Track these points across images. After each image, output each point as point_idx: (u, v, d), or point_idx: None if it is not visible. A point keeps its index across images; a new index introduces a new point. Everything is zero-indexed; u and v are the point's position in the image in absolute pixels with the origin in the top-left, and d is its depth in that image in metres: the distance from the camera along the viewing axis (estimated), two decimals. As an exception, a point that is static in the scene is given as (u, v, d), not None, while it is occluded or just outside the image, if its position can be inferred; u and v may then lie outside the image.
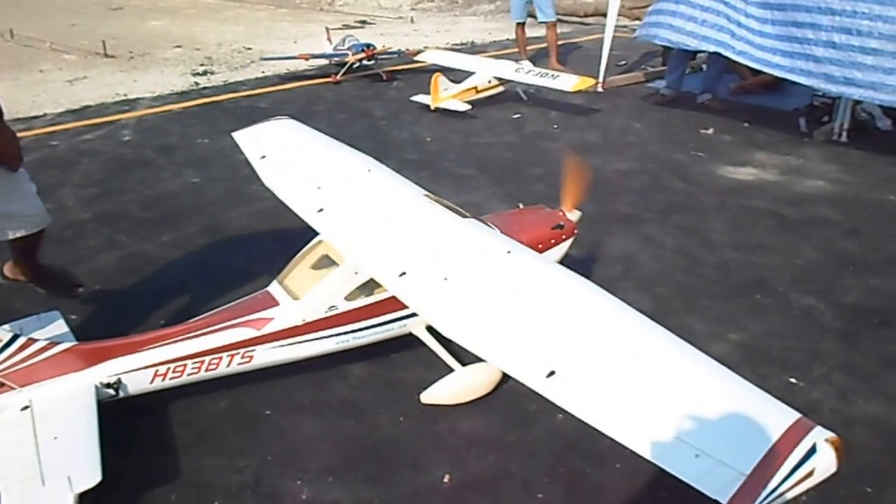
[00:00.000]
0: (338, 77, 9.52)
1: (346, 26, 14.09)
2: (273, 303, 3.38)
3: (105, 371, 3.04)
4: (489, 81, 8.49)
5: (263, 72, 10.46)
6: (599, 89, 9.10)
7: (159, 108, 8.48)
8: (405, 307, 3.43)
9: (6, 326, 3.02)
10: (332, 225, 3.51)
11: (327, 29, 10.96)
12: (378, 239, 3.34)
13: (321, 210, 3.58)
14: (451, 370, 3.48)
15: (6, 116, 3.41)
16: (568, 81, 7.91)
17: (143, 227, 5.31)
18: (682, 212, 5.67)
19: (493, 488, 2.95)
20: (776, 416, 2.08)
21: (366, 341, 3.54)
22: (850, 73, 6.59)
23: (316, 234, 3.65)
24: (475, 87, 8.36)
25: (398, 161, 6.28)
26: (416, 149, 7.02)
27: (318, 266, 3.56)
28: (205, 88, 9.54)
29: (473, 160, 6.73)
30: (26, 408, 2.84)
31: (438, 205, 3.47)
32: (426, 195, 3.57)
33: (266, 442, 3.20)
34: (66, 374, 2.99)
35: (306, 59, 9.74)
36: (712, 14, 7.56)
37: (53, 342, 3.04)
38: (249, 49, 12.38)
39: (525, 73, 8.27)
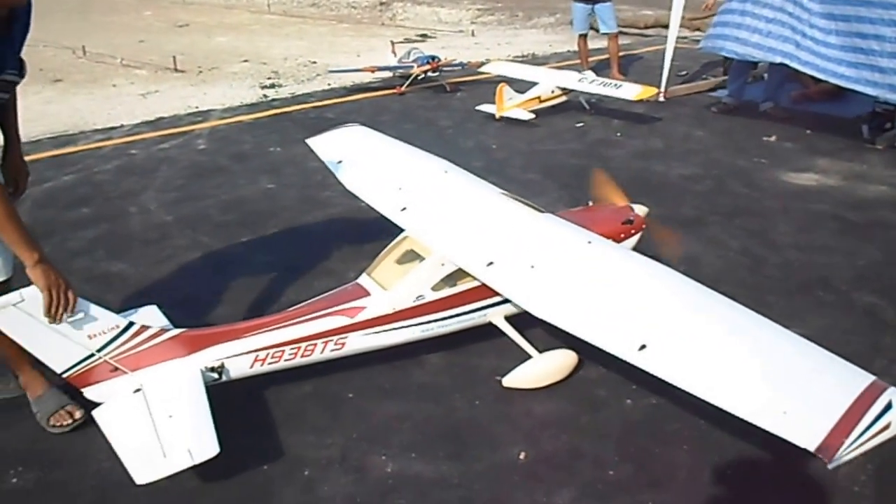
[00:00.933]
0: (403, 88, 9.81)
1: (408, 40, 14.38)
2: (364, 293, 3.60)
3: (210, 356, 3.25)
4: (552, 91, 8.68)
5: (330, 84, 10.80)
6: (661, 98, 9.19)
7: (231, 119, 8.84)
8: (486, 298, 3.68)
9: (119, 315, 3.18)
10: (416, 221, 3.77)
11: (392, 42, 11.25)
12: (463, 232, 3.65)
13: (404, 209, 3.84)
14: (528, 357, 3.67)
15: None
16: (631, 90, 8.07)
17: (223, 229, 5.61)
18: (746, 215, 5.79)
19: (566, 465, 3.13)
20: (854, 378, 2.41)
21: (449, 329, 3.75)
22: None
23: (397, 233, 3.90)
24: (538, 97, 8.56)
25: (465, 168, 6.47)
26: (482, 156, 7.24)
27: (403, 260, 3.78)
28: (274, 100, 9.90)
29: (538, 166, 6.93)
30: (138, 390, 3.06)
31: (516, 201, 3.71)
32: (503, 193, 3.80)
33: (350, 422, 3.42)
34: (174, 358, 3.20)
35: (372, 72, 10.05)
36: (777, 26, 7.69)
37: (164, 329, 3.25)
38: (314, 63, 12.76)
39: (588, 83, 8.46)
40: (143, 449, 2.83)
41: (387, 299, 3.57)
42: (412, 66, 9.87)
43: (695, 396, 2.51)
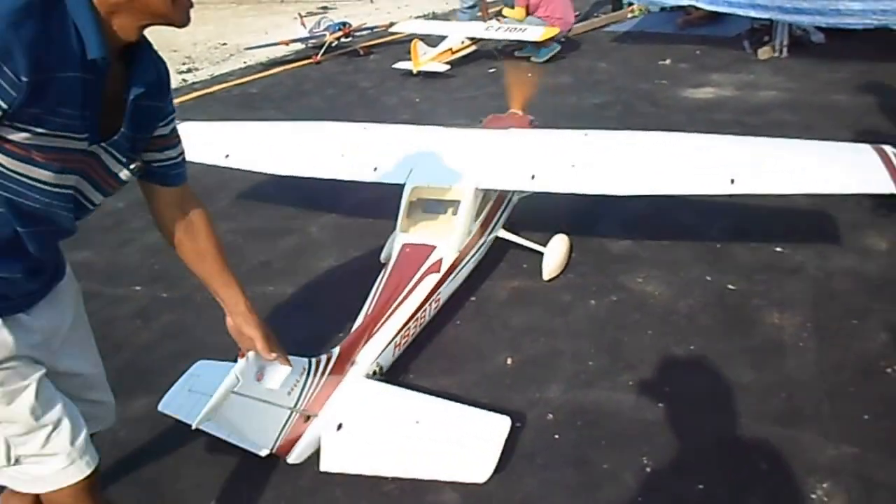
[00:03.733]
0: (318, 57, 9.75)
1: (309, 13, 14.19)
2: (431, 248, 3.54)
3: (366, 361, 2.97)
4: (462, 42, 8.79)
5: (245, 62, 10.62)
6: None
7: (158, 106, 8.65)
8: (494, 220, 4.00)
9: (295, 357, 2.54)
10: (404, 173, 3.86)
11: (300, 15, 11.13)
12: (469, 160, 3.88)
13: (376, 168, 3.95)
14: (538, 253, 4.06)
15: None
16: (536, 32, 8.23)
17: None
18: (658, 130, 6.03)
19: (549, 363, 3.33)
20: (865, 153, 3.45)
21: (483, 253, 3.94)
22: (797, 3, 7.26)
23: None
24: (451, 49, 8.66)
25: (394, 122, 6.58)
26: (407, 109, 7.33)
27: (428, 209, 3.81)
28: (194, 83, 9.69)
29: (463, 112, 7.02)
30: (340, 426, 2.69)
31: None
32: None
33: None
34: (342, 380, 2.84)
35: (287, 45, 9.98)
36: None
37: (330, 353, 2.86)
38: (225, 44, 12.49)
39: (495, 31, 8.58)
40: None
41: (453, 243, 3.60)
42: (325, 35, 9.82)
43: (649, 289, 2.88)
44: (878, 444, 2.70)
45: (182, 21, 1.71)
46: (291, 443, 2.62)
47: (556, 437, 2.89)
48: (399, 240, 3.64)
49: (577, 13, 10.84)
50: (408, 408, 2.77)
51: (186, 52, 12.19)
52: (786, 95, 6.65)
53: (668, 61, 8.12)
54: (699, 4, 8.14)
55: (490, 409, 2.74)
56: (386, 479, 2.67)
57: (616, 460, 2.73)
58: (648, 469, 2.69)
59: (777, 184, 3.44)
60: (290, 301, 4.06)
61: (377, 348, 3.04)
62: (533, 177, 3.69)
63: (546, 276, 3.97)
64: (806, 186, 3.41)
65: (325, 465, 2.63)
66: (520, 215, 4.29)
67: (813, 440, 2.74)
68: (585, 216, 4.50)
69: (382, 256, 4.04)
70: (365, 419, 2.74)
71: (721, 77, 7.37)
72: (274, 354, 2.25)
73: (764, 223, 4.35)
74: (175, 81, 9.67)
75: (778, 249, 4.07)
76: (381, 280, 3.42)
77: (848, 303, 3.56)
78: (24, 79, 1.47)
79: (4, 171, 1.61)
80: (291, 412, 2.57)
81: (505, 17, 8.87)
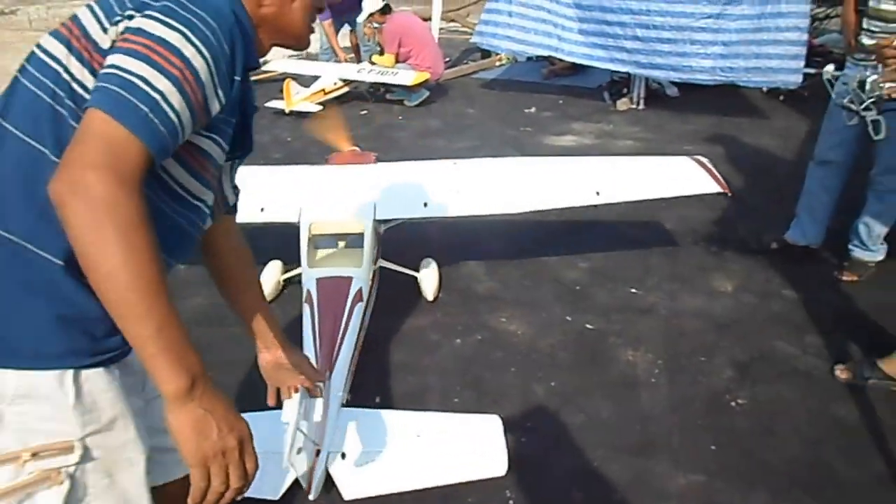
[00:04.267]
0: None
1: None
2: (348, 280, 3.57)
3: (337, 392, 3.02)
4: (335, 83, 8.83)
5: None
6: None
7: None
8: (379, 250, 4.09)
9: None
10: (293, 211, 3.94)
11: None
12: (343, 198, 4.03)
13: (262, 209, 3.95)
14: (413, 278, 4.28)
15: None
16: (407, 76, 8.39)
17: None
18: (523, 176, 6.29)
19: (418, 398, 3.38)
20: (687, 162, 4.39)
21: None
22: (653, 59, 7.80)
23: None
24: (323, 90, 8.66)
25: (265, 161, 6.53)
26: (280, 148, 7.29)
27: (328, 244, 3.97)
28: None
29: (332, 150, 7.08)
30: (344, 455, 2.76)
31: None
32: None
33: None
34: (328, 410, 2.81)
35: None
36: (541, 23, 8.52)
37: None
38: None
39: (367, 73, 8.68)
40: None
41: (364, 274, 3.65)
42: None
43: (512, 328, 3.24)
44: (723, 471, 2.90)
45: (307, 45, 1.67)
46: (311, 477, 2.60)
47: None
48: (311, 275, 3.64)
49: (448, 59, 11.16)
50: (401, 425, 2.85)
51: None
52: (641, 145, 7.05)
53: (532, 109, 8.46)
54: (562, 56, 8.58)
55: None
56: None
57: (481, 495, 2.80)
58: (511, 502, 2.77)
59: (634, 192, 4.13)
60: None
61: (341, 379, 3.07)
62: (426, 204, 3.91)
63: (430, 296, 4.22)
64: (657, 193, 4.15)
65: (348, 494, 2.65)
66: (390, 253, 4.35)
67: (664, 469, 2.91)
68: (452, 256, 4.62)
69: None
70: (367, 444, 2.77)
71: (582, 126, 7.74)
72: (319, 386, 2.17)
73: (620, 266, 4.58)
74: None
75: (633, 291, 4.30)
76: (314, 314, 3.39)
77: (696, 341, 3.80)
78: (236, 78, 1.39)
79: (175, 189, 1.45)
80: (315, 445, 2.60)
81: (374, 63, 9.00)
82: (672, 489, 2.81)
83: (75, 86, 1.33)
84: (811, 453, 2.99)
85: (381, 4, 8.78)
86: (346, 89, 8.95)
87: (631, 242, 4.86)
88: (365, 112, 8.60)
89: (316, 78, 8.82)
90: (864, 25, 3.84)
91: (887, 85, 3.62)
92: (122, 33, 1.30)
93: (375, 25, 9.01)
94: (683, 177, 4.21)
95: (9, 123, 1.35)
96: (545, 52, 8.76)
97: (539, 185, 4.15)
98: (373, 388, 3.45)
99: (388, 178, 4.22)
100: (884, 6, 3.73)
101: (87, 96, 1.30)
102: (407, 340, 3.87)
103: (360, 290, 3.56)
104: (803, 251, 4.49)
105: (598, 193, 3.96)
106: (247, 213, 3.90)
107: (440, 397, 3.39)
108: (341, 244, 3.98)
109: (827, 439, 3.06)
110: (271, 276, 4.27)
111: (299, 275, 3.84)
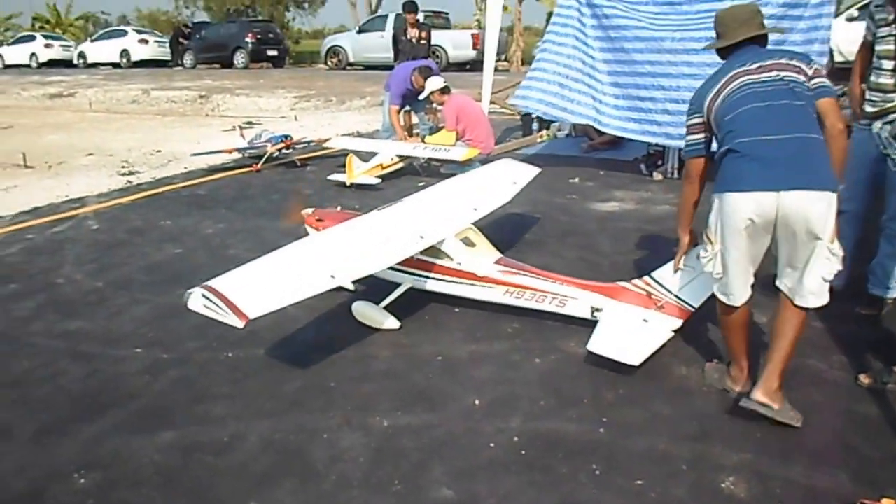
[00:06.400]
0: (259, 166, 10.52)
1: (240, 126, 15.04)
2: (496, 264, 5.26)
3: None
4: (392, 159, 9.74)
5: (186, 167, 11.23)
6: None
7: (109, 203, 9.04)
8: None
9: None
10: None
11: (240, 127, 11.95)
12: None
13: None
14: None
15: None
16: (459, 153, 9.29)
17: (156, 286, 6.02)
18: (574, 235, 7.09)
19: (509, 403, 4.08)
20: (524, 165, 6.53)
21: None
22: (682, 130, 8.46)
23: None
24: (381, 165, 9.57)
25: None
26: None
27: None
28: (140, 184, 10.20)
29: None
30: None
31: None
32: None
33: (341, 401, 4.16)
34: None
35: (230, 153, 10.71)
36: (582, 95, 9.49)
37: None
38: (160, 151, 13.07)
39: (422, 150, 9.61)
40: None
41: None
42: (266, 146, 10.63)
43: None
44: (766, 450, 3.58)
45: None
46: None
47: (523, 452, 3.64)
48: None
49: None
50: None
51: (122, 156, 12.66)
52: (677, 209, 7.82)
53: (576, 179, 9.32)
54: (599, 126, 9.48)
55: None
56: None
57: (571, 466, 3.49)
58: (598, 472, 3.46)
59: (498, 200, 6.00)
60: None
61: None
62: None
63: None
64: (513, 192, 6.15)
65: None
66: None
67: (720, 451, 3.60)
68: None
69: None
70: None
71: (623, 193, 8.57)
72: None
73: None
74: (120, 183, 10.29)
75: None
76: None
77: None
78: None
79: None
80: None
81: (426, 142, 9.93)
82: (727, 463, 3.49)
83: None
84: (836, 438, 3.68)
85: (441, 84, 9.76)
86: (401, 164, 9.86)
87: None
88: (423, 184, 9.43)
89: (372, 154, 9.74)
90: (867, 96, 4.75)
91: None
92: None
93: (436, 106, 9.98)
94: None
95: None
96: (584, 121, 9.75)
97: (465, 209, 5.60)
98: (470, 392, 4.20)
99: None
100: (882, 80, 4.71)
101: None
102: (492, 360, 4.61)
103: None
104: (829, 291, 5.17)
105: (475, 209, 5.57)
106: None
107: (528, 401, 4.11)
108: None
109: (850, 429, 3.76)
110: None
111: None
